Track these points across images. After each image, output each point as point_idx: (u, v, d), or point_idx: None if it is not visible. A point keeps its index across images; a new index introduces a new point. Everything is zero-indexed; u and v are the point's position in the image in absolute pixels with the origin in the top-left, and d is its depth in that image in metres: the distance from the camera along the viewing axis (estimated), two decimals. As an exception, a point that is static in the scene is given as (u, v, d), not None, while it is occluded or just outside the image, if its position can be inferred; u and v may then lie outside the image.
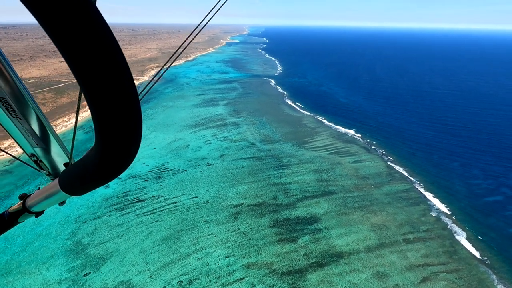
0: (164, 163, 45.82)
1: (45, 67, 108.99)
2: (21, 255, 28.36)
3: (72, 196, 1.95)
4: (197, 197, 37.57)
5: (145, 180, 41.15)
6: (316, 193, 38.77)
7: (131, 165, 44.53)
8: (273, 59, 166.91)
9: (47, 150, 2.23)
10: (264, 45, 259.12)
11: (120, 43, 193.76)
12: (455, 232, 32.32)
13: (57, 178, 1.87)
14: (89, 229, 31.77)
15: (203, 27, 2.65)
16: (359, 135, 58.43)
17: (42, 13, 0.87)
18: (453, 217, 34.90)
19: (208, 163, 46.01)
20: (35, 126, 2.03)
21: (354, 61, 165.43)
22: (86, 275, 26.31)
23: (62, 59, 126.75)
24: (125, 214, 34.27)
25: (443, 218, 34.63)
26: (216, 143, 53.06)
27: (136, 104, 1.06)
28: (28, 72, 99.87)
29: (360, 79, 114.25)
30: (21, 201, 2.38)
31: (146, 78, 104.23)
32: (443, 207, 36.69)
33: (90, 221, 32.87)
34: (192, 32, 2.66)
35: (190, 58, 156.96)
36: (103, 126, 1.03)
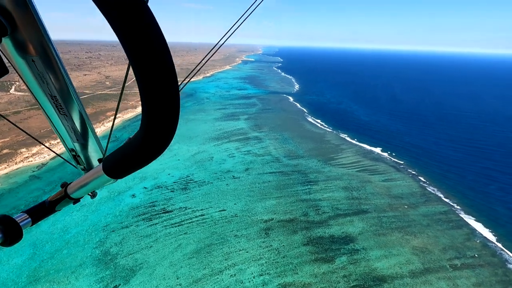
0: (189, 175, 45.14)
1: (73, 78, 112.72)
2: (50, 262, 27.52)
3: (112, 183, 2.10)
4: (225, 210, 36.40)
5: (171, 191, 40.38)
6: (349, 211, 37.02)
7: (156, 175, 44.19)
8: (289, 77, 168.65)
9: (85, 145, 2.41)
10: (279, 64, 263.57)
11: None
12: (506, 260, 29.82)
13: (100, 164, 1.93)
14: (117, 238, 30.84)
15: (220, 46, 2.77)
16: (386, 154, 56.73)
17: (108, 14, 1.08)
18: (501, 243, 32.41)
19: (233, 176, 45.10)
20: (77, 123, 2.19)
21: (371, 82, 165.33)
22: (116, 287, 25.10)
23: (86, 73, 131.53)
24: (153, 224, 33.30)
25: (490, 244, 32.19)
26: (240, 157, 52.35)
27: (177, 93, 1.25)
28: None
29: (380, 99, 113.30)
30: (62, 189, 2.48)
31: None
32: (487, 232, 34.26)
33: (118, 231, 31.99)
34: (212, 49, 2.77)
35: (208, 75, 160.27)
36: (151, 111, 1.21)
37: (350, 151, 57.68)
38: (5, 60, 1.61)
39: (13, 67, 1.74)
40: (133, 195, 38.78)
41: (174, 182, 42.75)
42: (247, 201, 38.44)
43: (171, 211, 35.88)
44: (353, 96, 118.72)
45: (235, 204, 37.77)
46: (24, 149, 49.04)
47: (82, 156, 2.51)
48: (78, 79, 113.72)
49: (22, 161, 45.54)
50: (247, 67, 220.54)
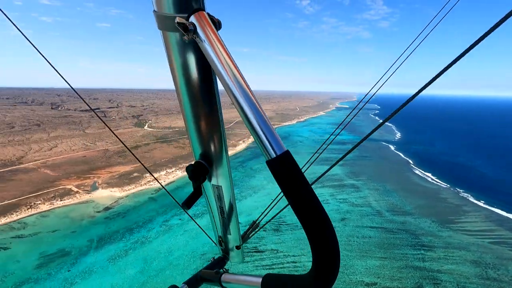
0: (281, 216, 44.22)
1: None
2: (155, 280, 29.94)
3: None
4: (301, 256, 33.19)
5: (263, 230, 39.97)
6: (484, 295, 28.27)
7: (250, 211, 44.98)
8: (389, 124, 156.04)
9: (227, 231, 2.51)
10: (376, 111, 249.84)
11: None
12: None
13: (260, 278, 1.83)
14: (212, 269, 31.52)
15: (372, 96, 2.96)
16: (535, 226, 42.98)
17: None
18: None
19: (328, 224, 41.74)
20: (232, 223, 2.40)
21: (497, 132, 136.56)
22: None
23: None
24: (245, 262, 32.92)
25: None
26: (334, 204, 48.76)
27: (336, 243, 1.32)
28: (175, 122, 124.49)
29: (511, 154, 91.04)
30: (217, 275, 2.51)
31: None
32: None
33: (213, 262, 32.84)
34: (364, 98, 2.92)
35: (301, 119, 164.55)
36: (319, 260, 1.29)
37: (477, 215, 46.29)
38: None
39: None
40: (205, 229, 40.00)
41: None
42: (344, 256, 34.25)
43: (262, 251, 35.08)
44: (473, 148, 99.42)
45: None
46: (147, 175, 58.55)
47: (223, 239, 2.67)
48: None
49: (145, 184, 54.20)
50: (341, 113, 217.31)
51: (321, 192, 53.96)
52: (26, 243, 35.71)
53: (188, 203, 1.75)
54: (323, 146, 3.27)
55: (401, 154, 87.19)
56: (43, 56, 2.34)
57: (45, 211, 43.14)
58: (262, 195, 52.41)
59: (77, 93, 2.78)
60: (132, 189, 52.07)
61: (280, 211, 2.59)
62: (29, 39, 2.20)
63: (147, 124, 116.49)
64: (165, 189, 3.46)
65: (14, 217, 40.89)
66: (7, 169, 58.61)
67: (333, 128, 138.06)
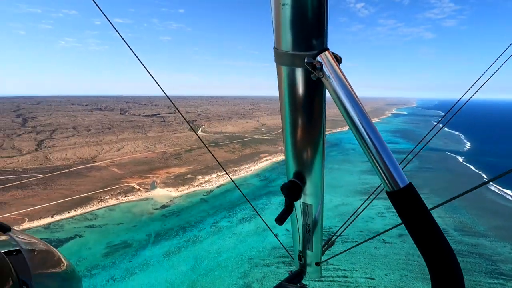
0: (331, 226, 42.27)
1: (237, 125, 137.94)
2: (204, 279, 30.97)
3: None
4: (373, 279, 30.82)
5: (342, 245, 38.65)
6: None
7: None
8: (456, 133, 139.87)
9: (309, 247, 2.59)
10: (440, 118, 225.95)
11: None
12: None
13: None
14: (259, 275, 31.47)
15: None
16: None
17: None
18: None
19: (383, 240, 38.61)
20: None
21: None
22: (253, 326, 24.82)
23: (248, 120, 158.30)
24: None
25: None
26: (391, 218, 44.96)
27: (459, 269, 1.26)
28: (226, 128, 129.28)
29: None
30: (298, 285, 2.79)
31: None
32: None
33: (260, 267, 32.79)
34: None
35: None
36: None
37: None
38: None
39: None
40: (276, 235, 39.55)
41: (315, 231, 41.03)
42: (403, 276, 31.21)
43: (340, 269, 33.83)
44: None
45: (386, 275, 31.46)
46: (200, 176, 61.57)
47: (303, 255, 2.70)
48: (242, 125, 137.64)
49: (198, 185, 56.98)
50: (398, 120, 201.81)
51: (376, 204, 50.28)
52: (96, 232, 40.14)
53: (280, 220, 1.86)
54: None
55: (471, 167, 77.00)
56: (148, 71, 2.65)
57: (112, 205, 48.09)
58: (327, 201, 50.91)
59: (170, 101, 3.18)
60: (185, 189, 55.14)
61: (376, 236, 2.76)
62: (136, 54, 2.51)
63: (200, 129, 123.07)
64: (242, 193, 3.65)
65: (88, 208, 46.42)
66: (84, 166, 67.14)
67: (388, 136, 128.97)
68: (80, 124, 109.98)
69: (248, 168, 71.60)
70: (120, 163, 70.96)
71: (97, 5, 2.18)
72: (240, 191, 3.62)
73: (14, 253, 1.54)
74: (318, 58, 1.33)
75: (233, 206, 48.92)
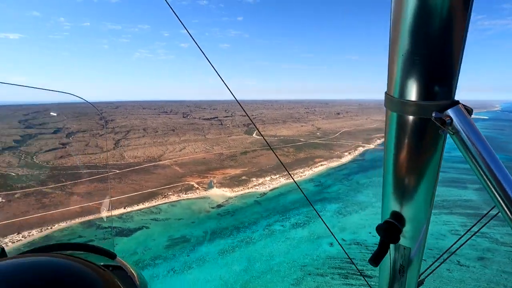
0: (355, 238, 38.86)
1: (291, 129, 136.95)
2: (256, 281, 31.06)
3: None
4: (445, 306, 27.02)
5: (371, 253, 35.74)
6: None
7: (356, 229, 41.26)
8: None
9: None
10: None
11: (347, 114, 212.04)
12: None
13: None
14: (312, 284, 30.33)
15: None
16: None
17: None
18: None
19: (458, 261, 33.68)
20: None
21: None
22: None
23: (303, 124, 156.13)
24: (348, 284, 30.18)
25: None
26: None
27: None
28: (280, 131, 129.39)
29: None
30: None
31: (372, 146, 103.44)
32: None
33: (314, 276, 31.57)
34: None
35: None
36: None
37: None
38: None
39: None
40: (331, 244, 37.81)
41: (375, 244, 37.79)
42: (484, 307, 26.68)
43: (370, 277, 31.24)
44: None
45: (462, 303, 27.29)
46: (254, 179, 62.49)
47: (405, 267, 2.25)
48: (296, 129, 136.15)
49: (252, 187, 57.91)
50: (477, 125, 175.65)
51: (448, 220, 44.51)
52: (160, 225, 43.63)
53: (375, 261, 1.75)
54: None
55: None
56: (220, 78, 2.71)
57: (174, 201, 51.85)
58: (369, 213, 47.39)
59: (240, 105, 3.16)
60: (240, 190, 56.49)
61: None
62: (211, 62, 2.63)
63: (254, 132, 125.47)
64: (304, 195, 3.45)
65: (153, 203, 50.86)
66: (151, 164, 74.06)
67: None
68: (149, 126, 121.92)
69: (302, 173, 70.15)
70: (182, 162, 76.36)
71: (179, 19, 2.32)
72: (303, 193, 3.39)
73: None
74: (449, 111, 1.21)
75: (286, 210, 48.34)
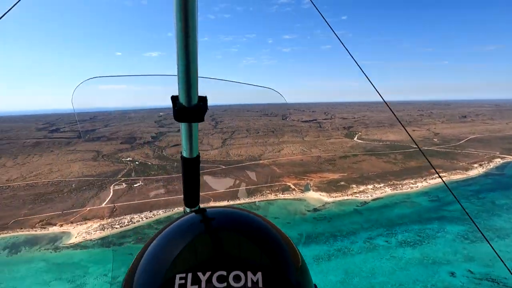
0: (488, 273, 29.00)
1: (399, 134, 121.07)
2: (354, 297, 28.56)
3: None
4: None
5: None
6: None
7: (488, 261, 32.69)
8: None
9: None
10: None
11: (477, 118, 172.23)
12: None
13: None
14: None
15: None
16: None
17: None
18: None
19: None
20: None
21: None
22: None
23: (415, 128, 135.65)
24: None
25: None
26: None
27: None
28: (386, 136, 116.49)
29: None
30: None
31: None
32: None
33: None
34: None
35: None
36: None
37: None
38: None
39: None
40: (452, 274, 31.09)
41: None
42: None
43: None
44: None
45: None
46: (354, 185, 58.13)
47: None
48: (406, 134, 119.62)
49: (351, 194, 54.02)
50: None
51: None
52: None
53: None
54: None
55: None
56: (368, 78, 2.76)
57: (271, 199, 53.61)
58: (511, 243, 36.82)
59: (388, 106, 2.89)
60: (338, 196, 53.52)
61: None
62: (356, 61, 2.74)
63: (356, 136, 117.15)
64: (456, 198, 2.89)
65: (252, 199, 54.03)
66: (252, 162, 79.10)
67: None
68: (252, 127, 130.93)
69: (413, 184, 60.80)
70: (279, 163, 78.41)
71: (326, 21, 2.56)
72: (454, 196, 2.84)
73: None
74: None
75: (392, 224, 42.80)
